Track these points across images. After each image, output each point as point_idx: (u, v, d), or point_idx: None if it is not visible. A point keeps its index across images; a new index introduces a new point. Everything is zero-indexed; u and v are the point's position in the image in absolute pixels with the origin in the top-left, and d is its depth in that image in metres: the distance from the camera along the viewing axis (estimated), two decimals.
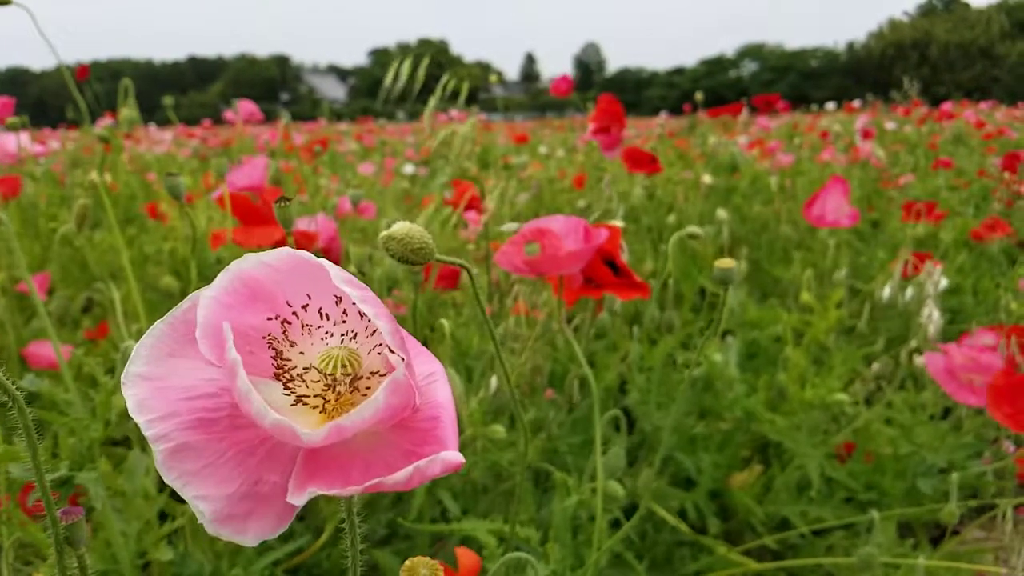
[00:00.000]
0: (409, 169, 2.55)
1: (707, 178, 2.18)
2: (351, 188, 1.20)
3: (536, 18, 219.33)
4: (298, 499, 0.28)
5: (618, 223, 0.84)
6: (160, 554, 0.75)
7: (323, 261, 0.31)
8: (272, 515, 0.30)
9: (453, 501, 0.86)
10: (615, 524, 0.87)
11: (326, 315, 0.33)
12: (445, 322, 0.80)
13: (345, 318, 0.33)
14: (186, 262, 1.33)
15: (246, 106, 2.29)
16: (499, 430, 0.77)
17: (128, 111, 1.46)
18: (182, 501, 0.82)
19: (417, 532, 0.88)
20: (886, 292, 1.45)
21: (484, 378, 0.92)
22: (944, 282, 1.40)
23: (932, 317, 1.34)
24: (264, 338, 0.32)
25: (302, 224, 1.03)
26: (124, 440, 1.02)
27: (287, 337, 0.33)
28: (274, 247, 1.02)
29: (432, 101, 1.55)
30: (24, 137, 1.51)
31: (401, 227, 0.38)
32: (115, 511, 0.76)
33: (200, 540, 0.83)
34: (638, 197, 1.94)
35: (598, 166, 2.31)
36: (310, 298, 0.32)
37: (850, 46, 59.67)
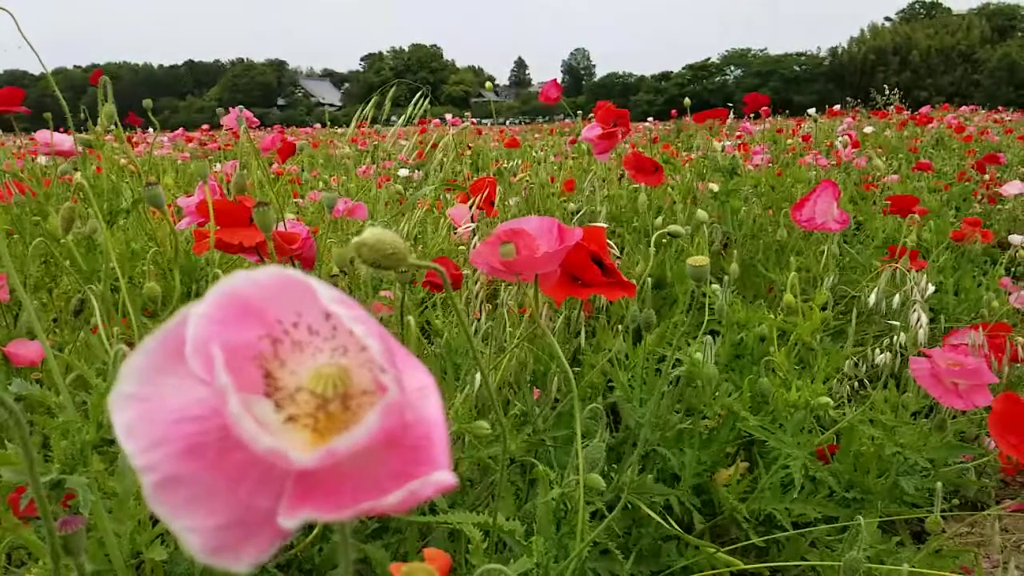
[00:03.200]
0: (404, 172, 2.56)
1: (713, 186, 2.19)
2: (328, 190, 1.20)
3: (528, 24, 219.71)
4: (291, 522, 0.28)
5: (601, 224, 0.86)
6: (154, 554, 0.76)
7: (310, 279, 0.30)
8: (263, 540, 0.29)
9: (439, 496, 0.87)
10: (600, 518, 0.88)
11: (316, 331, 0.32)
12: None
13: (335, 333, 0.32)
14: (173, 264, 1.33)
15: (242, 113, 2.27)
16: (484, 426, 0.78)
17: (108, 107, 1.46)
18: None
19: (406, 526, 0.89)
20: (872, 297, 1.47)
21: (470, 375, 0.93)
22: (932, 289, 1.42)
23: (920, 321, 1.36)
24: (255, 357, 0.32)
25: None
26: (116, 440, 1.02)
27: (277, 356, 0.32)
28: (257, 247, 1.01)
29: (396, 125, 1.58)
30: (68, 138, 1.53)
31: (372, 233, 0.38)
32: (107, 511, 0.76)
33: None
34: (643, 204, 1.96)
35: (588, 170, 2.32)
36: (300, 315, 0.32)
37: (833, 52, 60.20)
